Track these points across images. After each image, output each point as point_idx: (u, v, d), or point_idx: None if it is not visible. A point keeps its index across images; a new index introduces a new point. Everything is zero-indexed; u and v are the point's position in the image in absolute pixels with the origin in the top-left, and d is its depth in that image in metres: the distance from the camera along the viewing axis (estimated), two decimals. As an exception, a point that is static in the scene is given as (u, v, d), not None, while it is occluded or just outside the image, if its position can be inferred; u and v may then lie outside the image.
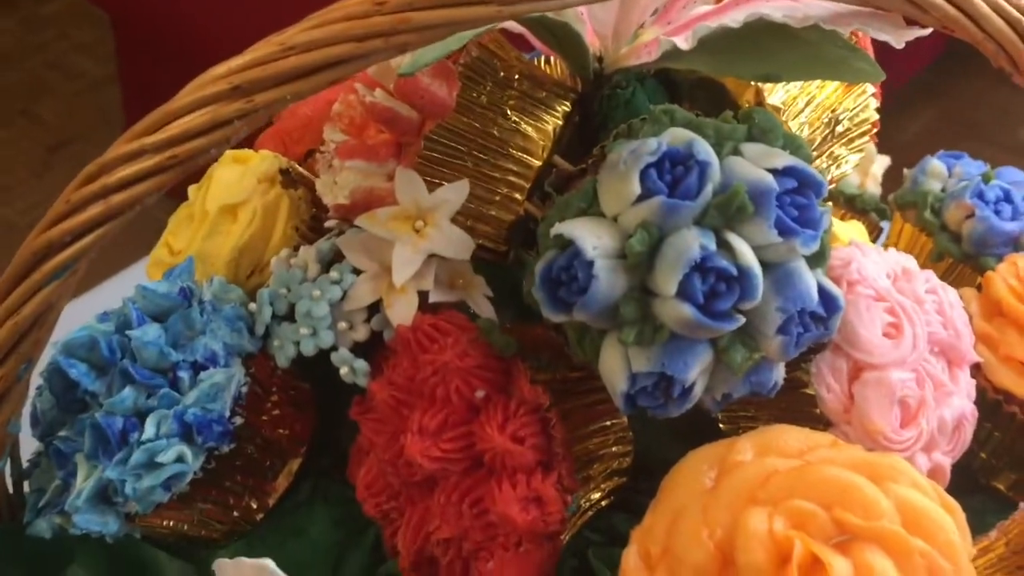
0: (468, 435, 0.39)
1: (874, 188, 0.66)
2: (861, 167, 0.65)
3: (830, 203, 0.38)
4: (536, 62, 0.52)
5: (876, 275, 0.42)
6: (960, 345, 0.42)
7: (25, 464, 0.44)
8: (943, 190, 0.59)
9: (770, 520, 0.33)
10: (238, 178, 0.51)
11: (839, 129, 0.45)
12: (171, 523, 0.43)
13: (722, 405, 0.38)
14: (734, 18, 0.38)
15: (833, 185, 0.48)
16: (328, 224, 0.46)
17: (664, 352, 0.35)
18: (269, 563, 0.34)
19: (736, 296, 0.35)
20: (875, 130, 0.47)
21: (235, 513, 0.44)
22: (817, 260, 0.37)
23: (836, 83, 0.45)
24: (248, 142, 0.56)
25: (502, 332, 0.40)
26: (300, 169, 0.54)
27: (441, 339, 0.40)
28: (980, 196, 0.56)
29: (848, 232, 0.53)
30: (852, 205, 0.64)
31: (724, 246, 0.35)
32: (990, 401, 0.45)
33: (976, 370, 0.46)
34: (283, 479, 0.45)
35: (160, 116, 0.34)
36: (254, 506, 0.45)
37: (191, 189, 0.53)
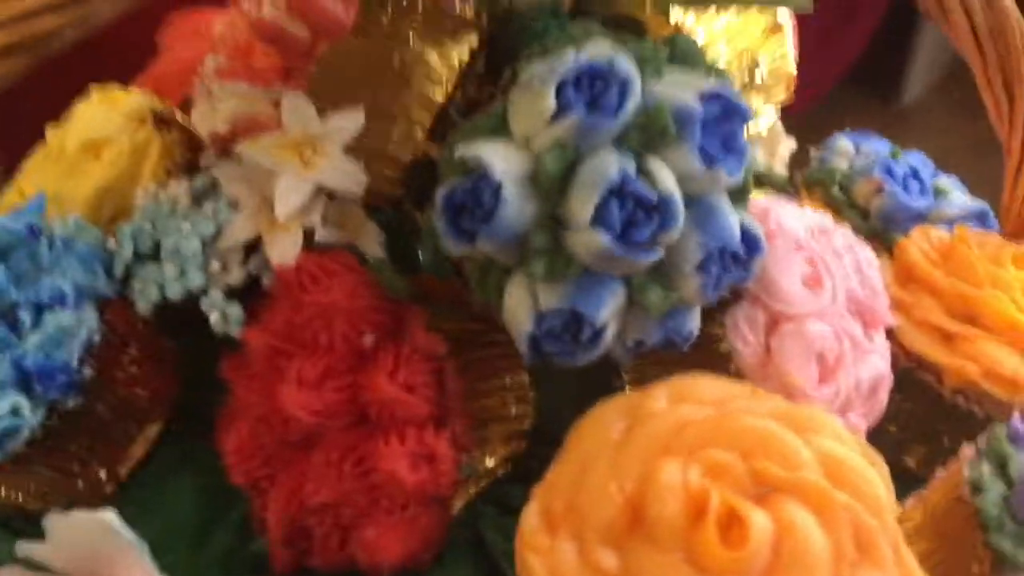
0: (353, 386, 0.35)
1: (781, 169, 0.64)
2: (768, 147, 0.64)
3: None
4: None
5: (795, 226, 0.39)
6: (876, 305, 0.40)
7: None
8: (850, 168, 0.58)
9: (684, 471, 0.30)
10: (104, 115, 0.46)
11: (757, 78, 0.43)
12: (4, 491, 0.37)
13: (633, 353, 0.35)
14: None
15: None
16: (204, 161, 0.41)
17: (575, 288, 0.32)
18: (109, 515, 0.29)
19: (655, 225, 0.32)
20: (791, 84, 0.45)
21: (80, 483, 0.39)
22: (740, 198, 0.34)
23: (758, 28, 0.42)
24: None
25: (396, 273, 0.36)
26: (177, 113, 0.49)
27: (326, 279, 0.35)
28: (888, 172, 0.55)
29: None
30: (759, 182, 0.63)
31: (644, 172, 0.32)
32: (902, 369, 0.44)
33: (889, 337, 0.44)
34: (139, 446, 0.40)
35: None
36: (103, 476, 0.39)
37: (49, 129, 0.48)
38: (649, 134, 0.32)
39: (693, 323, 0.35)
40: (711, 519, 0.29)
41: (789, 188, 0.62)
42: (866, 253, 0.41)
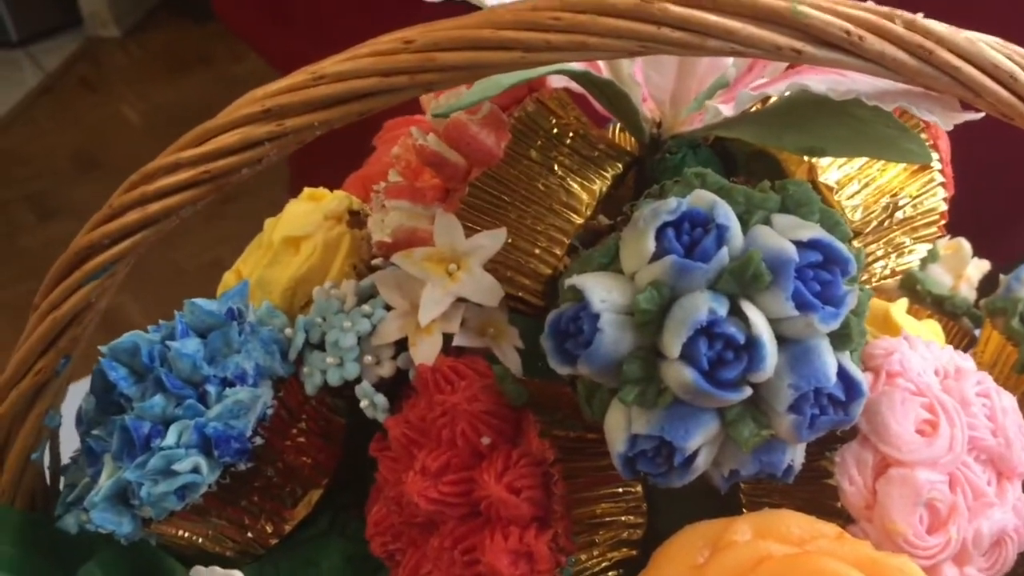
0: (469, 480, 0.38)
1: (968, 292, 0.62)
2: (954, 268, 0.62)
3: (862, 284, 0.36)
4: (611, 131, 0.53)
5: (921, 369, 0.39)
6: (1011, 455, 0.39)
7: (66, 461, 0.46)
8: (1036, 300, 0.55)
9: (753, 605, 0.31)
10: (307, 213, 0.53)
11: (900, 216, 0.43)
12: (186, 534, 0.44)
13: (730, 482, 0.36)
14: (777, 87, 0.37)
15: (897, 277, 0.45)
16: (375, 263, 0.47)
17: (665, 417, 0.34)
18: (237, 574, 0.34)
19: (743, 366, 0.33)
20: (943, 221, 0.45)
21: (249, 534, 0.45)
22: (843, 342, 0.35)
23: (899, 167, 0.43)
24: (335, 185, 0.59)
25: (516, 381, 0.40)
26: (368, 211, 0.55)
27: (456, 381, 0.40)
28: (1072, 307, 0.52)
29: (919, 330, 0.50)
30: (940, 307, 0.61)
31: (737, 314, 0.34)
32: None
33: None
34: (302, 508, 0.46)
35: (200, 132, 0.36)
36: (269, 530, 0.45)
37: (267, 221, 0.56)
38: (743, 278, 0.34)
39: (791, 459, 0.36)
40: (762, 657, 0.30)
41: (977, 313, 0.60)
42: (1004, 401, 0.40)
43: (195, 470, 0.41)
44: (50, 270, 0.39)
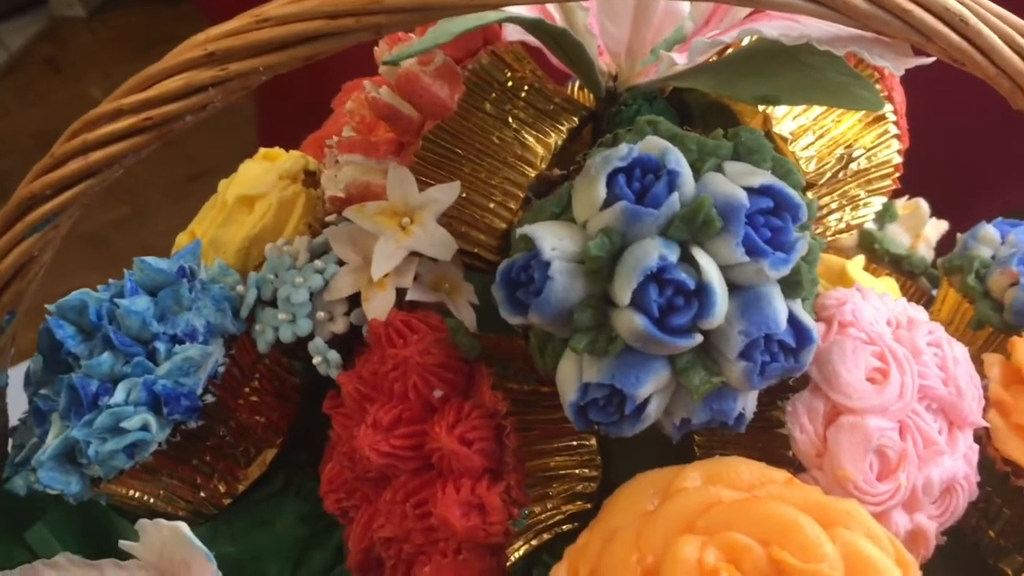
0: (421, 434, 0.38)
1: (926, 252, 0.62)
2: (912, 228, 0.63)
3: (816, 236, 0.36)
4: (570, 87, 0.52)
5: (873, 319, 0.39)
6: (961, 405, 0.39)
7: (15, 422, 0.46)
8: (993, 257, 0.55)
9: (702, 550, 0.31)
10: (262, 172, 0.52)
11: (854, 167, 0.43)
12: (136, 494, 0.43)
13: (682, 431, 0.36)
14: (730, 35, 0.37)
15: (852, 230, 0.46)
16: (327, 219, 0.46)
17: (616, 364, 0.34)
18: (182, 526, 0.34)
19: (694, 312, 0.33)
20: (897, 173, 0.45)
21: (202, 494, 0.44)
22: (793, 289, 0.35)
23: (854, 119, 0.43)
24: (293, 145, 0.58)
25: (470, 334, 0.39)
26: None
27: (408, 335, 0.39)
28: (1029, 264, 0.52)
29: (876, 287, 0.50)
30: (898, 266, 0.61)
31: (688, 260, 0.34)
32: (999, 474, 0.42)
33: (986, 439, 0.42)
34: (256, 467, 0.45)
35: (142, 78, 0.35)
36: (222, 489, 0.45)
37: (221, 182, 0.55)
38: (693, 224, 0.33)
39: (743, 407, 0.36)
40: (714, 598, 0.30)
41: (934, 272, 0.61)
42: (956, 351, 0.40)
43: (144, 428, 0.40)
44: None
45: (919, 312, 0.41)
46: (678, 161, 0.34)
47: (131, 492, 0.43)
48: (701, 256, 0.34)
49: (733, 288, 0.34)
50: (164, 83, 0.34)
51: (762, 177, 0.34)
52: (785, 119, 0.42)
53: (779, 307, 0.34)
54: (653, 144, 0.35)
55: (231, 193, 0.51)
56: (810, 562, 0.31)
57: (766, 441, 0.39)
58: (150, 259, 0.44)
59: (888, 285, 0.53)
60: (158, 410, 0.41)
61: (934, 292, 0.61)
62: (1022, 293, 0.51)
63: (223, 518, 0.45)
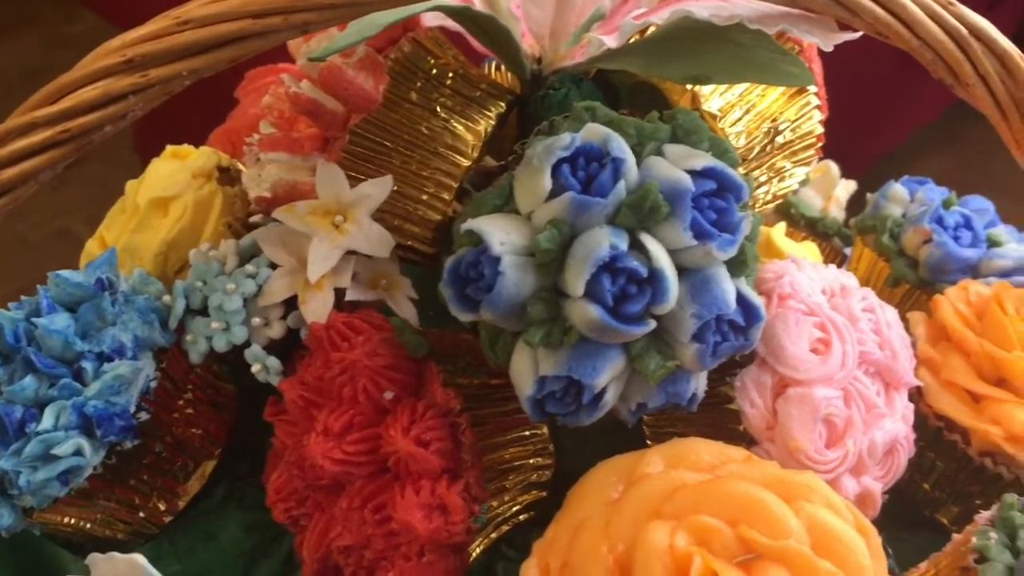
0: (374, 437, 0.37)
1: (837, 213, 0.64)
2: (823, 191, 0.64)
3: (753, 210, 0.37)
4: (487, 68, 0.51)
5: (809, 290, 0.40)
6: (896, 367, 0.41)
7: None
8: (904, 215, 0.57)
9: (672, 535, 0.32)
10: (173, 172, 0.50)
11: (780, 140, 0.44)
12: (72, 520, 0.41)
13: (638, 415, 0.36)
14: (660, 15, 0.37)
15: (779, 200, 0.46)
16: (253, 220, 0.45)
17: (572, 356, 0.34)
18: (139, 558, 0.32)
19: (647, 299, 0.33)
20: (820, 143, 0.46)
21: (141, 514, 0.43)
22: (738, 268, 0.36)
23: (777, 93, 0.43)
24: (184, 140, 0.56)
25: (415, 332, 0.38)
26: (240, 167, 0.53)
27: (353, 337, 0.38)
28: (939, 221, 0.54)
29: (799, 252, 0.51)
30: (813, 228, 0.63)
31: (637, 247, 0.34)
32: (932, 429, 0.44)
33: (919, 396, 0.44)
34: (195, 481, 0.44)
35: (54, 89, 0.33)
36: (162, 507, 0.43)
37: (128, 184, 0.52)
38: (641, 211, 0.33)
39: (695, 387, 0.36)
40: (690, 583, 0.30)
41: (846, 232, 0.62)
42: (888, 314, 0.42)
43: (77, 452, 0.38)
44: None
45: (850, 279, 0.43)
46: (621, 148, 0.34)
47: (66, 519, 0.41)
48: (650, 242, 0.34)
49: (682, 272, 0.34)
50: (79, 92, 0.32)
51: (704, 159, 0.35)
52: (712, 96, 0.42)
53: (727, 288, 0.35)
54: (594, 132, 0.35)
55: (142, 196, 0.49)
56: (778, 538, 0.31)
57: (716, 417, 0.40)
58: (66, 273, 0.42)
59: (809, 249, 0.54)
60: (90, 433, 0.39)
61: (847, 251, 0.63)
62: (936, 249, 0.53)
63: (165, 537, 0.44)
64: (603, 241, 0.33)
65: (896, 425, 0.40)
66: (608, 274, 0.33)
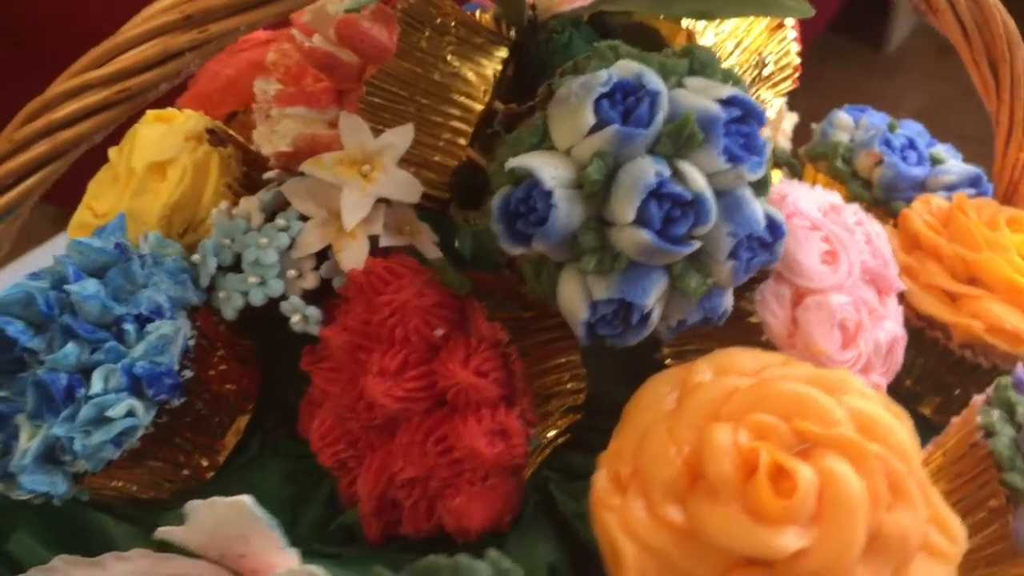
0: (429, 374, 0.39)
1: (784, 143, 0.68)
2: (772, 123, 0.68)
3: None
4: (478, 16, 0.52)
5: (809, 207, 0.43)
6: (888, 273, 0.44)
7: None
8: (851, 141, 0.61)
9: (735, 434, 0.34)
10: (164, 136, 0.50)
11: (765, 72, 0.47)
12: (120, 483, 0.42)
13: (676, 332, 0.39)
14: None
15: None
16: (267, 176, 0.45)
17: (623, 279, 0.36)
18: (247, 499, 0.33)
19: (691, 221, 0.36)
20: (796, 74, 0.49)
21: (185, 471, 0.43)
22: (761, 188, 0.38)
23: (761, 27, 0.46)
24: (167, 104, 0.55)
25: (456, 272, 0.40)
26: (226, 128, 0.53)
27: (395, 281, 0.40)
28: (887, 144, 0.59)
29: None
30: (766, 159, 0.66)
31: (676, 174, 0.36)
32: (914, 328, 0.48)
33: (901, 301, 0.48)
34: (232, 436, 0.45)
35: (108, 49, 0.33)
36: (204, 464, 0.44)
37: (112, 151, 0.52)
38: (679, 139, 0.36)
39: (727, 303, 0.39)
40: (762, 473, 0.33)
41: (793, 162, 0.66)
42: (875, 227, 0.45)
43: (130, 413, 0.39)
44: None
45: (836, 197, 0.46)
46: (655, 82, 0.36)
47: (114, 483, 0.42)
48: (688, 168, 0.36)
49: (714, 194, 0.37)
50: (136, 51, 0.32)
51: (727, 89, 0.37)
52: (706, 33, 0.45)
53: (756, 207, 0.37)
54: (628, 67, 0.37)
55: (138, 161, 0.49)
56: (829, 427, 0.34)
57: (735, 332, 0.43)
58: (88, 240, 0.42)
59: (776, 176, 0.58)
60: (139, 394, 0.39)
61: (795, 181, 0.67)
62: (888, 170, 0.57)
63: (207, 493, 0.44)
64: (648, 169, 0.35)
65: (894, 326, 0.43)
66: (655, 200, 0.35)
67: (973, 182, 0.57)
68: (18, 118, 0.33)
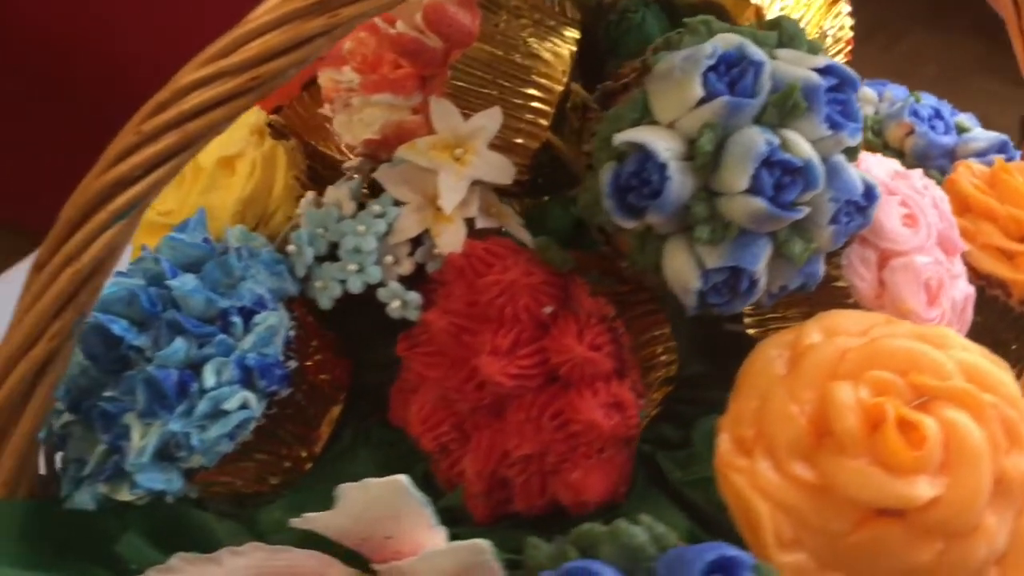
0: (541, 351, 0.39)
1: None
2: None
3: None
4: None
5: (882, 174, 0.45)
6: (953, 235, 0.46)
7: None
8: (876, 113, 0.63)
9: (856, 390, 0.36)
10: (227, 131, 0.49)
11: (825, 45, 0.48)
12: (227, 479, 0.42)
13: (776, 298, 0.40)
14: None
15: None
16: (348, 165, 0.45)
17: (735, 247, 0.37)
18: (402, 478, 0.33)
19: (800, 187, 0.37)
20: (849, 47, 0.50)
21: (286, 463, 0.43)
22: (852, 155, 0.40)
23: (820, 1, 0.48)
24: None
25: (559, 249, 0.41)
26: (282, 121, 0.53)
27: (499, 262, 0.40)
28: (916, 114, 0.60)
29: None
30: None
31: (783, 142, 0.37)
32: (974, 287, 0.50)
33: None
34: (326, 426, 0.45)
35: (236, 37, 0.33)
36: (304, 455, 0.44)
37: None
38: (784, 109, 0.37)
39: (823, 267, 0.40)
40: (891, 426, 0.34)
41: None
42: (937, 191, 0.47)
43: (244, 406, 0.39)
44: (58, 220, 0.34)
45: (898, 164, 0.48)
46: (758, 53, 0.37)
47: (223, 478, 0.41)
48: (794, 136, 0.37)
49: (818, 161, 0.38)
50: (267, 37, 0.32)
51: (821, 59, 0.38)
52: (772, 8, 0.46)
53: (854, 172, 0.39)
54: (730, 40, 0.38)
55: (205, 157, 0.48)
56: (943, 380, 0.36)
57: (818, 298, 0.44)
58: (180, 236, 0.42)
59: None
60: (250, 386, 0.39)
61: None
62: (919, 139, 0.59)
63: (305, 484, 0.44)
64: (758, 138, 0.36)
65: (966, 284, 0.45)
66: (766, 168, 0.36)
67: (1001, 148, 0.60)
68: (145, 109, 0.33)
